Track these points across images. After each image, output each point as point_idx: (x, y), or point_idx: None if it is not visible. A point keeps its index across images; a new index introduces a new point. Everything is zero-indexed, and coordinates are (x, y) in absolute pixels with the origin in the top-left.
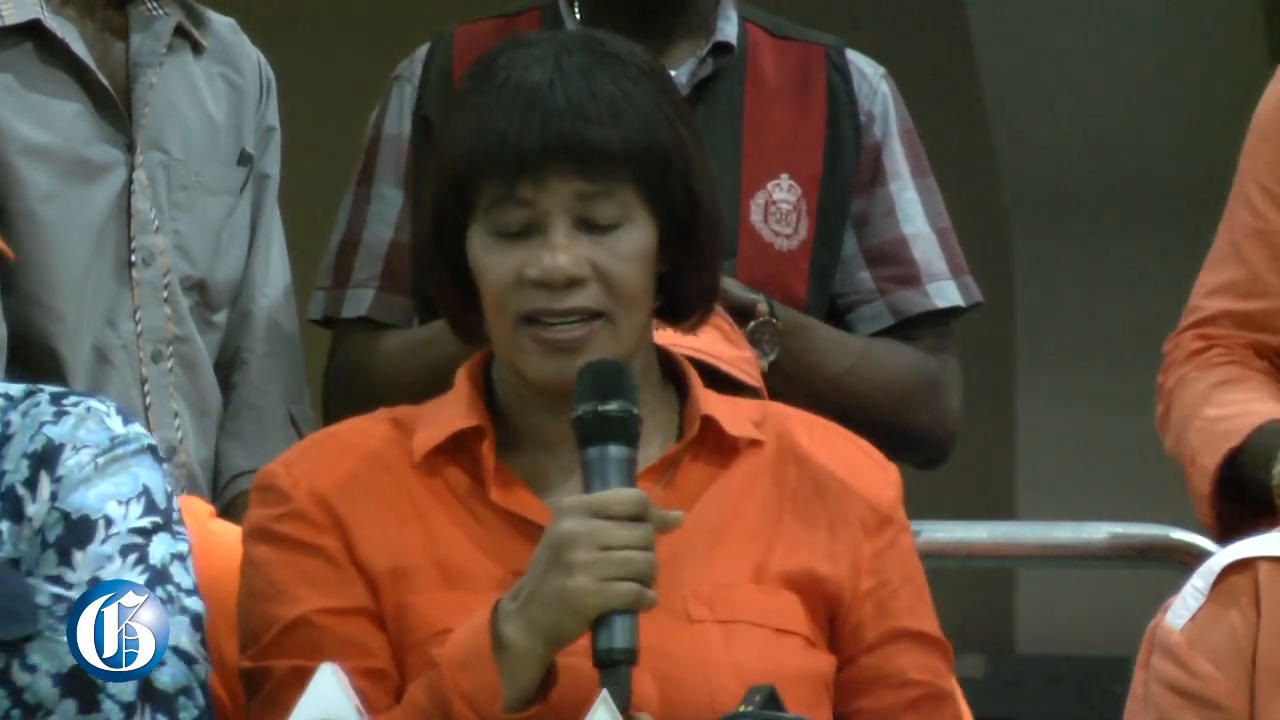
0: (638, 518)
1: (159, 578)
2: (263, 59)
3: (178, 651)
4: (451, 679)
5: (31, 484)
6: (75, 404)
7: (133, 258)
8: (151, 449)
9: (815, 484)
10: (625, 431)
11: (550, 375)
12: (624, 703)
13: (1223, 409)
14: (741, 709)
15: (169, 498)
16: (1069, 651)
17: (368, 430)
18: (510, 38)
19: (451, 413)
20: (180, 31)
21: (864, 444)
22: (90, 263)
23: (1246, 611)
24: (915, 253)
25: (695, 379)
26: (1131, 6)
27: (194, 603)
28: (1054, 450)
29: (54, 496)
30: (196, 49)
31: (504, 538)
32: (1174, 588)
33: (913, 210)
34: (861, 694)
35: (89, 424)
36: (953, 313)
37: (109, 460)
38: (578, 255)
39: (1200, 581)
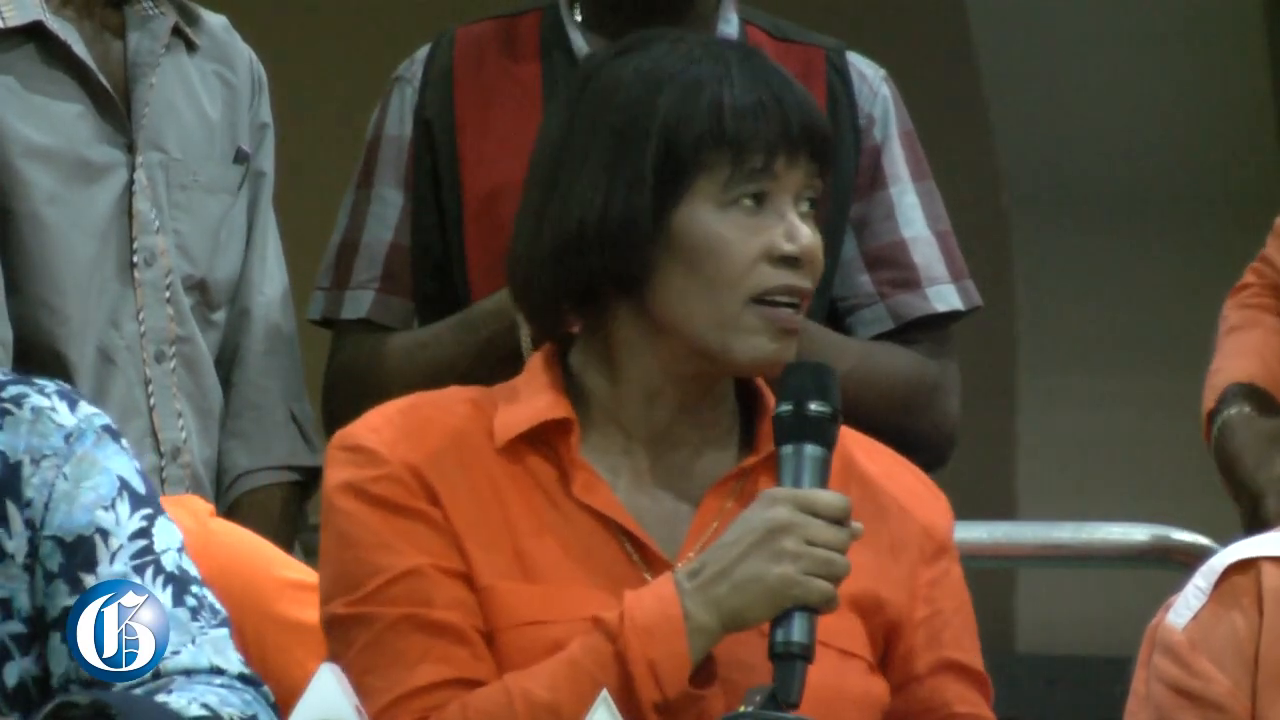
0: (841, 522)
1: (180, 586)
2: (254, 57)
3: (242, 678)
4: (639, 645)
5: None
6: (17, 400)
7: (135, 258)
8: (106, 429)
9: (877, 507)
10: (827, 434)
11: (769, 356)
12: (796, 698)
13: (1220, 361)
14: (742, 709)
15: (140, 475)
16: (1069, 651)
17: (448, 407)
18: (635, 36)
19: (533, 400)
20: (175, 30)
21: (917, 469)
22: (94, 264)
23: (1248, 612)
24: (915, 256)
25: (766, 390)
26: (1132, 7)
27: (217, 602)
28: (1054, 450)
29: (31, 524)
30: (191, 48)
31: (583, 533)
32: (1174, 588)
33: (913, 213)
34: None
35: (39, 427)
36: (952, 316)
37: (75, 464)
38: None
39: (1202, 581)
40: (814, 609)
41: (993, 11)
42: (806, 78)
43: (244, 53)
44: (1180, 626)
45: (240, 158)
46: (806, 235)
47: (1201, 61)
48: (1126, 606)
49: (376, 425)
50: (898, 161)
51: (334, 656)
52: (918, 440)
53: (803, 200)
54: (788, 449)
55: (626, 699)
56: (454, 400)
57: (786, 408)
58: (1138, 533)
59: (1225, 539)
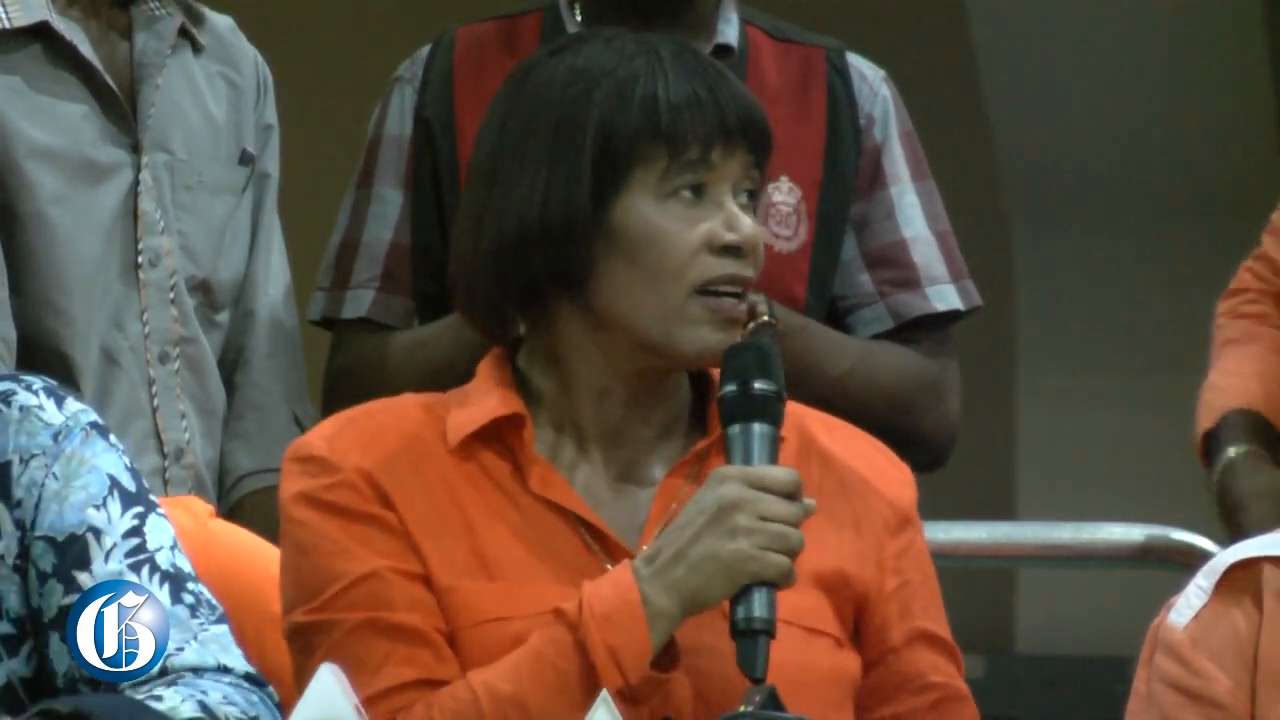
0: (792, 496)
1: (177, 584)
2: (259, 58)
3: (248, 678)
4: (599, 632)
5: None
6: (4, 397)
7: (139, 259)
8: (94, 426)
9: (840, 482)
10: (773, 412)
11: (714, 346)
12: (761, 673)
13: (1218, 376)
14: (742, 709)
15: (129, 471)
16: (1069, 651)
17: (400, 412)
18: (561, 41)
19: (483, 400)
20: (181, 31)
21: (879, 443)
22: (99, 264)
23: (1249, 611)
24: (915, 256)
25: (716, 374)
26: (1132, 8)
27: (214, 599)
28: (1054, 450)
29: (21, 525)
30: (196, 48)
31: (542, 527)
32: (1174, 588)
33: (913, 213)
34: (885, 700)
35: (27, 426)
36: (952, 316)
37: (64, 463)
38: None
39: (1204, 580)
40: (772, 584)
41: (993, 11)
42: (807, 78)
43: (249, 54)
44: (1181, 626)
45: (245, 159)
46: (747, 224)
47: (1201, 61)
48: (1126, 606)
49: (328, 434)
50: (898, 161)
51: (298, 667)
52: (918, 440)
53: (741, 191)
54: (735, 429)
55: (589, 687)
56: (407, 405)
57: (731, 388)
58: (1137, 533)
59: (1224, 539)
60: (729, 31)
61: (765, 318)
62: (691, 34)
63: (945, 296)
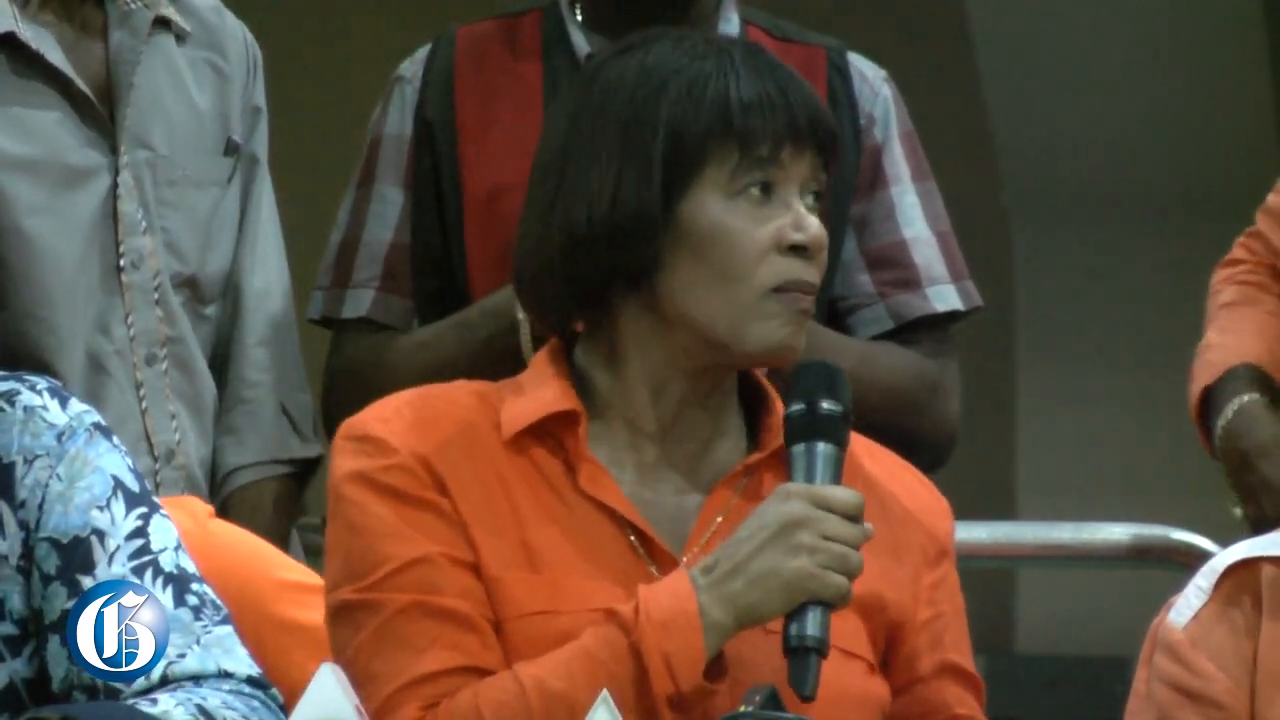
0: (855, 518)
1: (180, 586)
2: (248, 36)
3: (250, 680)
4: (655, 638)
5: None
6: (8, 397)
7: (121, 261)
8: (98, 427)
9: (882, 508)
10: (839, 433)
11: (782, 341)
12: (811, 691)
13: (1217, 336)
14: (742, 709)
15: (133, 472)
16: (1069, 651)
17: (455, 399)
18: (634, 38)
19: (539, 393)
20: (160, 21)
21: (917, 471)
22: (80, 270)
23: (1249, 612)
24: (915, 256)
25: (769, 387)
26: (1132, 8)
27: (218, 599)
28: (1054, 450)
29: (24, 526)
30: (180, 37)
31: (589, 526)
32: (1174, 588)
33: (913, 213)
34: None
35: (31, 427)
36: (952, 316)
37: (68, 464)
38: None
39: (1203, 581)
40: (829, 604)
41: (993, 11)
42: (807, 77)
43: (238, 35)
44: (1181, 625)
45: (230, 149)
46: (815, 225)
47: (1201, 62)
48: (1126, 606)
49: (385, 415)
50: (898, 161)
51: (340, 643)
52: (918, 440)
53: (808, 193)
54: (799, 447)
55: (640, 691)
56: (461, 393)
57: (798, 407)
58: (1137, 532)
59: (1224, 539)
60: (729, 30)
61: None
62: None
63: (946, 297)
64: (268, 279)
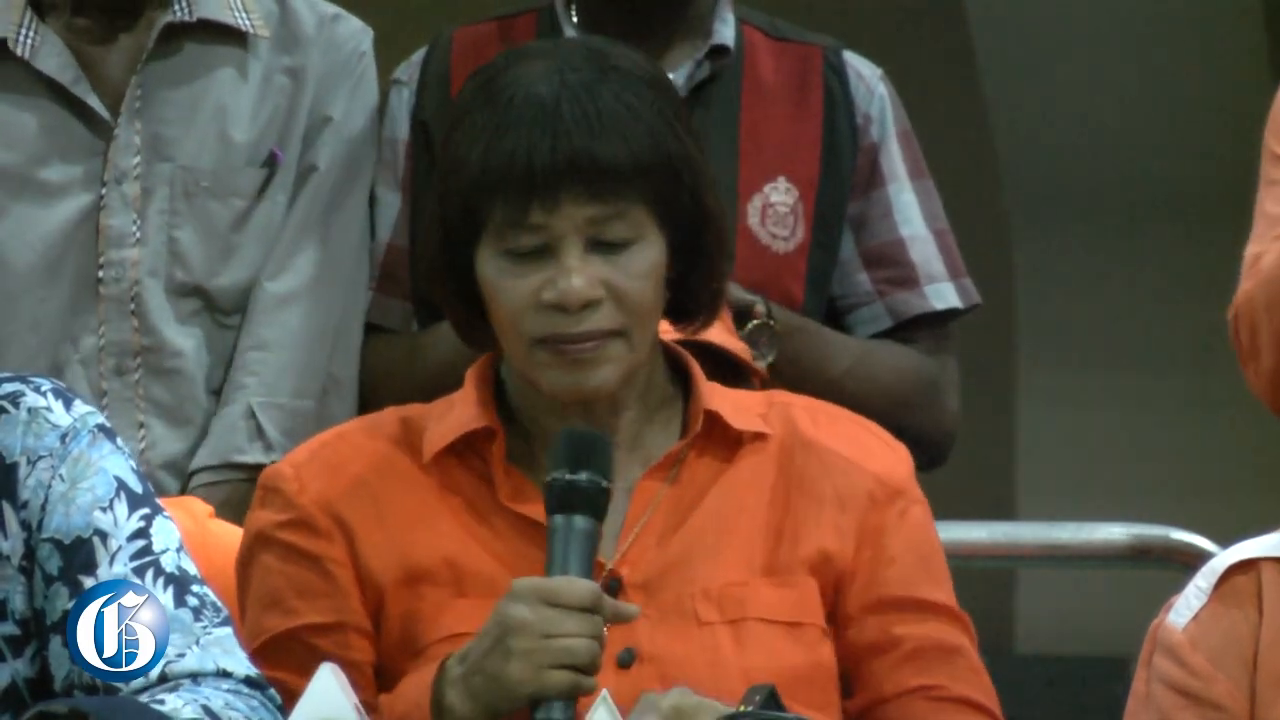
0: (588, 609)
1: (181, 587)
2: (363, 46)
3: (249, 681)
4: None
5: None
6: (13, 398)
7: (100, 274)
8: (101, 428)
9: (822, 464)
10: (593, 504)
11: (566, 387)
12: None
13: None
14: (741, 709)
15: (136, 473)
16: (1069, 651)
17: (376, 431)
18: (512, 50)
19: (461, 413)
20: (218, 29)
21: (872, 425)
22: (42, 281)
23: (1248, 612)
24: (913, 255)
25: (699, 375)
26: (1131, 8)
27: (219, 600)
28: (1054, 450)
29: (27, 526)
30: (250, 44)
31: (513, 541)
32: (1174, 588)
33: (910, 212)
34: (856, 669)
35: (34, 427)
36: (951, 314)
37: (71, 465)
38: (591, 277)
39: (1203, 581)
40: (564, 695)
41: (992, 11)
42: (804, 77)
43: (339, 42)
44: (1181, 626)
45: (269, 161)
46: (571, 282)
47: (1202, 62)
48: (1126, 606)
49: (299, 461)
50: (895, 160)
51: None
52: (917, 438)
53: (595, 241)
54: (559, 519)
55: None
56: (385, 422)
57: (559, 475)
58: (1137, 532)
59: (1224, 539)
60: (725, 32)
61: (763, 319)
62: (688, 35)
63: (943, 295)
64: (291, 285)
